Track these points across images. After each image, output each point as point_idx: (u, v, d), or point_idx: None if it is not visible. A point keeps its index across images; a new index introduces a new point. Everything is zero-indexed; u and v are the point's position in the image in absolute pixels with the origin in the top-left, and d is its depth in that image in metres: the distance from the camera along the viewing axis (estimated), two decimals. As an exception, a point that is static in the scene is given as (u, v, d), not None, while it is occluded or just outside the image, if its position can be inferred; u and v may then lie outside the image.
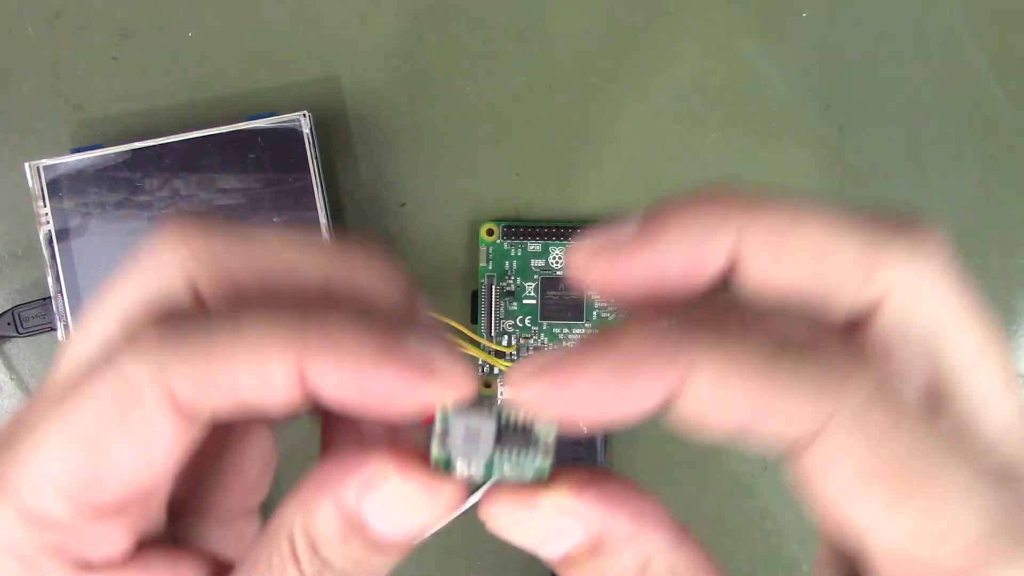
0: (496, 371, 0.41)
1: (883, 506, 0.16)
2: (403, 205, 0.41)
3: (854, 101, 0.41)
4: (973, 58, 0.41)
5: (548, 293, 0.41)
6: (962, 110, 0.41)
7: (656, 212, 0.18)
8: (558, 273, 0.41)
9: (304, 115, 0.38)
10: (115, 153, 0.38)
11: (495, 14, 0.41)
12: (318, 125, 0.39)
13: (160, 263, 0.19)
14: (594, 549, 0.17)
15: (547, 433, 0.18)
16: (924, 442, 0.16)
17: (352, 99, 0.41)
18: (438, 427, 0.18)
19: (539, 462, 0.18)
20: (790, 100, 0.41)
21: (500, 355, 0.41)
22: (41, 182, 0.37)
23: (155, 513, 0.20)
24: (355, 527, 0.18)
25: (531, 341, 0.41)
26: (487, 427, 0.18)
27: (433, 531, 0.19)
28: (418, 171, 0.41)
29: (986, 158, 0.41)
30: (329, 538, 0.18)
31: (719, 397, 0.16)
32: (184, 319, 0.18)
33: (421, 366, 0.17)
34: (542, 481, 0.18)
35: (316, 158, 0.38)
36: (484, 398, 0.17)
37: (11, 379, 0.41)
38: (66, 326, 0.38)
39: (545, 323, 0.41)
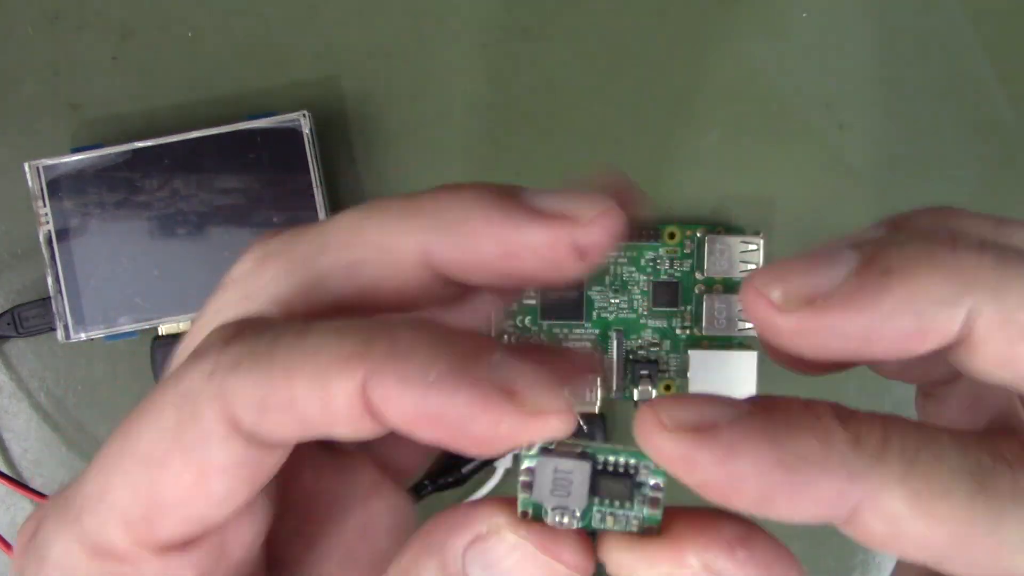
0: (496, 371, 0.41)
1: None
2: (403, 205, 0.41)
3: (854, 101, 0.41)
4: (974, 58, 0.41)
5: (548, 293, 0.41)
6: (962, 110, 0.41)
7: (878, 259, 0.15)
8: (558, 273, 0.41)
9: (304, 115, 0.38)
10: (115, 153, 0.38)
11: (495, 14, 0.41)
12: (318, 125, 0.39)
13: (247, 286, 0.18)
14: None
15: (656, 480, 0.15)
16: None
17: (352, 99, 0.41)
18: (522, 471, 0.16)
19: (646, 512, 0.15)
20: (790, 100, 0.41)
21: (500, 355, 0.40)
22: (41, 182, 0.37)
23: (235, 564, 0.18)
24: None
25: (531, 341, 0.41)
26: (580, 473, 0.15)
27: None
28: (418, 171, 0.41)
29: (986, 158, 0.41)
30: None
31: (902, 531, 0.14)
32: (251, 334, 0.16)
33: (501, 393, 0.14)
34: (652, 531, 0.15)
35: (316, 158, 0.38)
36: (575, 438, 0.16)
37: (11, 379, 0.41)
38: (65, 326, 0.38)
39: (545, 323, 0.41)
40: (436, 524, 0.16)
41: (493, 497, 0.16)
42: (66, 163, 0.37)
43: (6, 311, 0.39)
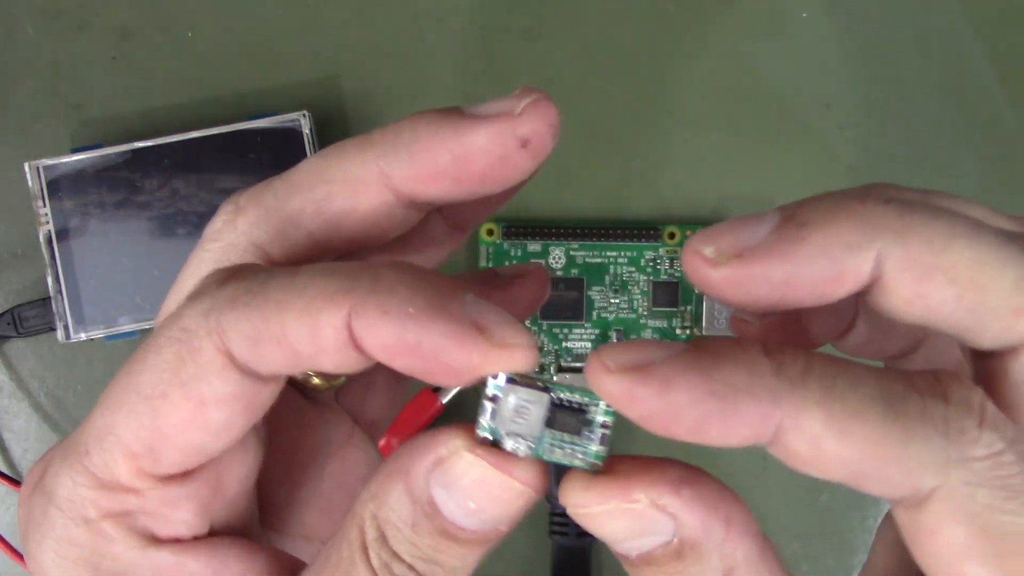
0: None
1: None
2: (403, 205, 0.41)
3: (854, 101, 0.41)
4: (973, 58, 0.41)
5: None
6: (962, 110, 0.41)
7: (796, 215, 0.16)
8: (558, 273, 0.41)
9: (304, 115, 0.38)
10: (115, 153, 0.38)
11: (495, 14, 0.41)
12: (318, 125, 0.39)
13: (223, 239, 0.19)
14: (680, 552, 0.16)
15: (604, 419, 0.17)
16: None
17: (352, 99, 0.41)
18: (487, 398, 0.17)
19: (594, 449, 0.17)
20: (790, 100, 0.41)
21: (500, 355, 0.40)
22: (41, 182, 0.37)
23: (231, 499, 0.19)
24: (426, 513, 0.17)
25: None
26: (538, 404, 0.17)
27: (512, 520, 0.17)
28: (418, 171, 0.41)
29: (986, 158, 0.41)
30: (399, 526, 0.17)
31: (821, 450, 0.15)
32: (245, 275, 0.18)
33: (473, 327, 0.16)
34: (597, 468, 0.17)
35: (316, 158, 0.38)
36: (537, 375, 0.18)
37: (11, 379, 0.41)
38: (66, 326, 0.38)
39: (545, 323, 0.41)
40: (403, 451, 0.17)
41: (454, 424, 0.17)
42: (66, 163, 0.38)
43: (6, 311, 0.39)
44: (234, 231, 0.19)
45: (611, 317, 0.41)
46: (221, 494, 0.19)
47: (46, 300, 0.38)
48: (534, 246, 0.41)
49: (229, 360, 0.17)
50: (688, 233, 0.40)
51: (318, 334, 0.16)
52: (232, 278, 0.17)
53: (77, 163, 0.38)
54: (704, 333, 0.40)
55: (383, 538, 0.17)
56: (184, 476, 0.18)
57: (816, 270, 0.16)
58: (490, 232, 0.40)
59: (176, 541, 0.18)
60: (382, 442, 0.39)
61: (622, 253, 0.41)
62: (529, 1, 0.41)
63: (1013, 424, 0.15)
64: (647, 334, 0.41)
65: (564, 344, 0.41)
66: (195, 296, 0.17)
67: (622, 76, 0.41)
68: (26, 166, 0.37)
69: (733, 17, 0.41)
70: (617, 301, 0.41)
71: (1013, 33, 0.41)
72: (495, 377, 0.17)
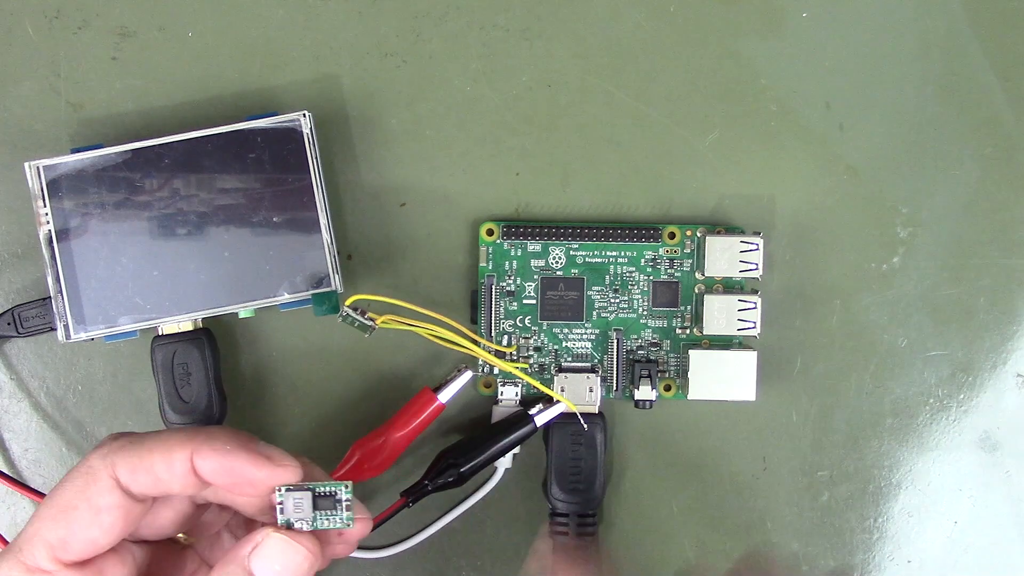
0: (496, 371, 0.41)
1: None
2: (403, 205, 0.41)
3: (854, 101, 0.41)
4: (973, 58, 0.41)
5: (548, 293, 0.41)
6: (962, 110, 0.41)
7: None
8: (558, 273, 0.41)
9: (304, 115, 0.38)
10: (115, 153, 0.38)
11: (495, 14, 0.41)
12: (318, 125, 0.39)
13: (100, 464, 0.30)
14: None
15: (347, 496, 0.30)
16: None
17: (352, 99, 0.41)
18: (277, 501, 0.30)
19: (345, 516, 0.31)
20: (790, 100, 0.41)
21: (500, 355, 0.40)
22: (41, 182, 0.37)
23: None
24: None
25: (531, 341, 0.41)
26: (307, 498, 0.30)
27: None
28: (418, 171, 0.41)
29: (986, 158, 0.41)
30: None
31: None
32: (128, 435, 0.31)
33: (262, 456, 0.30)
34: (350, 526, 0.31)
35: (316, 158, 0.38)
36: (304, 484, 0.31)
37: (11, 379, 0.41)
38: (66, 326, 0.38)
39: (545, 323, 0.41)
40: (233, 547, 0.30)
41: (263, 527, 0.30)
42: (66, 163, 0.37)
43: (6, 311, 0.39)
44: (109, 463, 0.30)
45: (611, 317, 0.41)
46: None
47: (46, 300, 0.38)
48: (534, 246, 0.41)
49: (116, 483, 0.29)
50: (688, 233, 0.41)
51: (172, 466, 0.30)
52: (120, 437, 0.31)
53: (77, 163, 0.38)
54: (704, 333, 0.40)
55: None
56: (82, 564, 0.30)
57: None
58: (490, 232, 0.40)
59: None
60: (380, 441, 0.39)
61: (622, 253, 0.41)
62: (529, 1, 0.41)
63: None
64: (647, 334, 0.41)
65: (564, 344, 0.41)
66: (97, 448, 0.30)
67: (622, 76, 0.41)
68: (26, 166, 0.37)
69: (733, 17, 0.41)
70: (617, 301, 0.41)
71: (1013, 33, 0.41)
72: (279, 489, 0.30)
